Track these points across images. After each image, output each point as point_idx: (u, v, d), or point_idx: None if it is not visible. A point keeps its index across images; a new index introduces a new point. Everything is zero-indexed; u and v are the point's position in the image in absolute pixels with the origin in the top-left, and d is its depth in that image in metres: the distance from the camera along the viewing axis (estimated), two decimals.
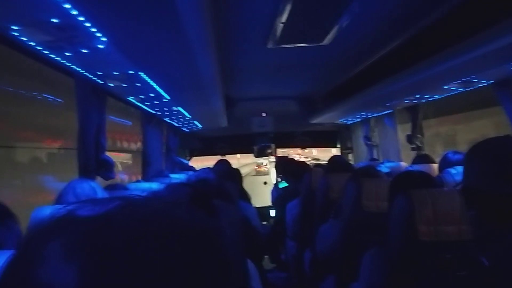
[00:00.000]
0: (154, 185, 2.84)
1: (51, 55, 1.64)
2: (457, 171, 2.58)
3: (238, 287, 0.41)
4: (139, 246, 0.35)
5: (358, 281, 1.86)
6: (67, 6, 1.18)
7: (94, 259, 0.34)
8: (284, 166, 5.68)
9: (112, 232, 0.35)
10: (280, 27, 2.34)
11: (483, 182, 1.09)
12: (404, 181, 1.82)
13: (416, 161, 3.44)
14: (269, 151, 6.40)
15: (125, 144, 4.83)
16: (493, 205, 1.06)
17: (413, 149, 3.96)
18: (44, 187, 3.00)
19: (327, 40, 2.63)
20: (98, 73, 1.95)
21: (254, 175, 22.75)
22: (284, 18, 2.20)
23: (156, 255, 0.35)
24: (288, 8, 2.05)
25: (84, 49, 1.57)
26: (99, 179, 2.36)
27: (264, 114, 5.76)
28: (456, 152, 2.92)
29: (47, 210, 1.52)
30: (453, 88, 2.66)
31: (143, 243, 0.35)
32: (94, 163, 2.36)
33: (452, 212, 1.54)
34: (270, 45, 2.72)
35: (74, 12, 1.23)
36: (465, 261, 1.49)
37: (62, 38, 1.43)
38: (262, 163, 24.97)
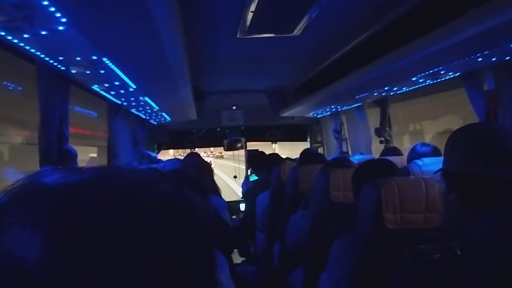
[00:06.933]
0: None
1: (8, 37, 1.55)
2: (423, 163, 2.62)
3: (210, 275, 0.37)
4: (114, 220, 0.31)
5: (326, 270, 1.86)
6: None
7: (60, 232, 0.29)
8: (255, 159, 5.68)
9: (84, 203, 0.31)
10: (249, 15, 2.31)
11: (464, 165, 1.09)
12: (366, 170, 1.84)
13: (384, 153, 3.49)
14: (239, 145, 6.38)
15: (92, 137, 4.70)
16: (473, 188, 1.06)
17: (381, 142, 4.00)
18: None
19: (297, 31, 2.62)
20: (60, 58, 1.86)
21: None
22: (253, 6, 2.18)
23: (134, 231, 0.31)
24: None
25: (43, 31, 1.48)
26: None
27: (234, 107, 5.74)
28: (424, 144, 2.97)
29: None
30: (421, 80, 2.70)
31: (119, 216, 0.31)
32: (56, 154, 2.28)
33: (418, 201, 1.56)
34: (239, 35, 2.69)
35: None
36: (436, 248, 1.51)
37: (18, 18, 1.35)
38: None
